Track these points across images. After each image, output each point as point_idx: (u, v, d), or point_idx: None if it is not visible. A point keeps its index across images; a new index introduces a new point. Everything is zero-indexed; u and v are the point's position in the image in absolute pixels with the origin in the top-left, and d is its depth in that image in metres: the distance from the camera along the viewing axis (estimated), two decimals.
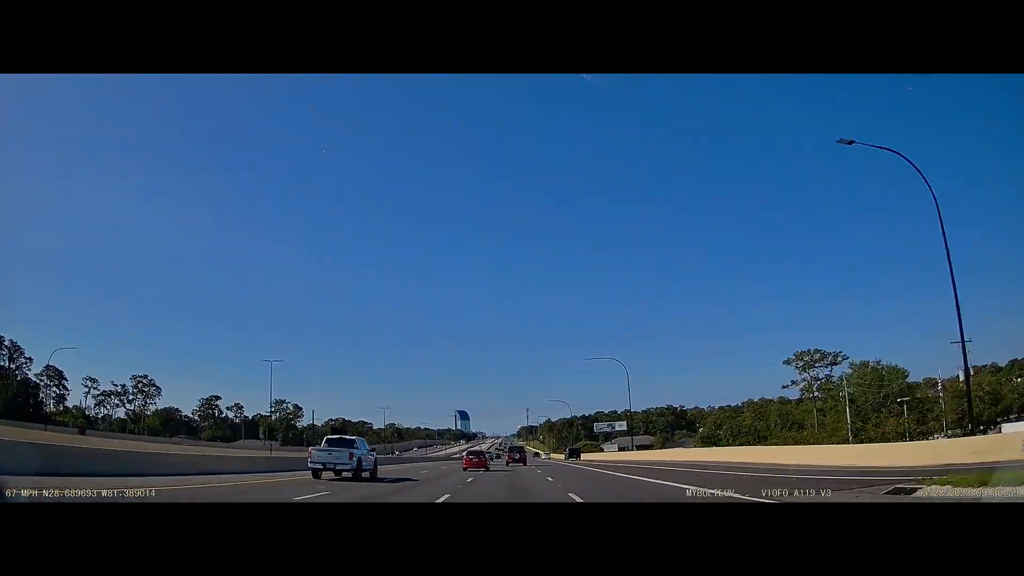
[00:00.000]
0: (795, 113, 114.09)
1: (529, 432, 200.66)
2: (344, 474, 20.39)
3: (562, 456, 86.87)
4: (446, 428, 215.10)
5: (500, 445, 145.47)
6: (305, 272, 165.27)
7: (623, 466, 35.05)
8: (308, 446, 33.84)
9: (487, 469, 33.22)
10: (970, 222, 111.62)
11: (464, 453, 44.05)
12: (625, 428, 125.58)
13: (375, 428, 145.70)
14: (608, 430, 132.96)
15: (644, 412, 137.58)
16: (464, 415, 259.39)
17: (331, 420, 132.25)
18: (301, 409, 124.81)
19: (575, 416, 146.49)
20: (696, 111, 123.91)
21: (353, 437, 24.41)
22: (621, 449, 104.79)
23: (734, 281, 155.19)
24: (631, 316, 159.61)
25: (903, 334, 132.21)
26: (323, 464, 20.22)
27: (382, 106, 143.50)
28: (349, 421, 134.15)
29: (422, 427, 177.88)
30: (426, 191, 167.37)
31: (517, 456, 47.74)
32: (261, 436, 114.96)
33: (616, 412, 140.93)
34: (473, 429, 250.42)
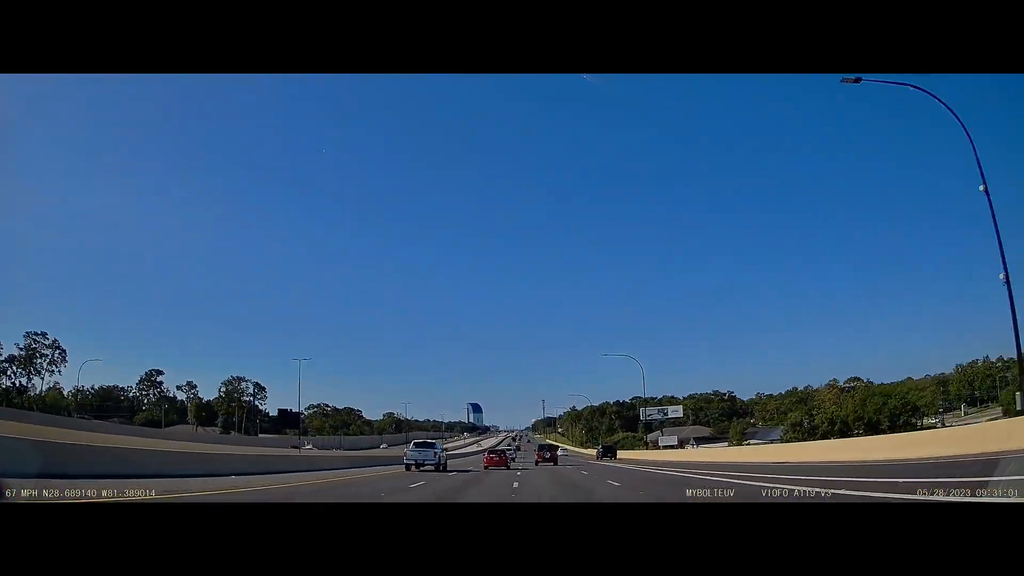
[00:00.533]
0: (795, 113, 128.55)
1: (547, 424, 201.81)
2: (427, 467, 31.33)
3: (593, 452, 77.85)
4: (457, 421, 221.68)
5: (514, 438, 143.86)
6: (315, 270, 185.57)
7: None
8: (260, 433, 37.81)
9: (508, 468, 36.46)
10: (970, 222, 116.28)
11: (485, 452, 44.16)
12: (681, 414, 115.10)
13: (364, 416, 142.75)
14: (659, 417, 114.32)
15: (690, 398, 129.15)
16: (477, 408, 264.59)
17: (312, 406, 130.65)
18: (264, 389, 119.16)
19: (607, 403, 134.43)
20: (696, 111, 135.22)
21: (433, 441, 37.29)
22: (683, 443, 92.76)
23: (737, 277, 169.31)
24: (644, 309, 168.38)
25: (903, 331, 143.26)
26: (415, 461, 31.83)
27: (401, 104, 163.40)
28: (336, 409, 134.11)
29: (431, 419, 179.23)
30: (442, 192, 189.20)
31: (548, 455, 45.92)
32: (190, 420, 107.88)
33: (656, 398, 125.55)
34: (486, 423, 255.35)
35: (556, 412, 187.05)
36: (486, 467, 36.61)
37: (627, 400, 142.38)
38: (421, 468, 31.27)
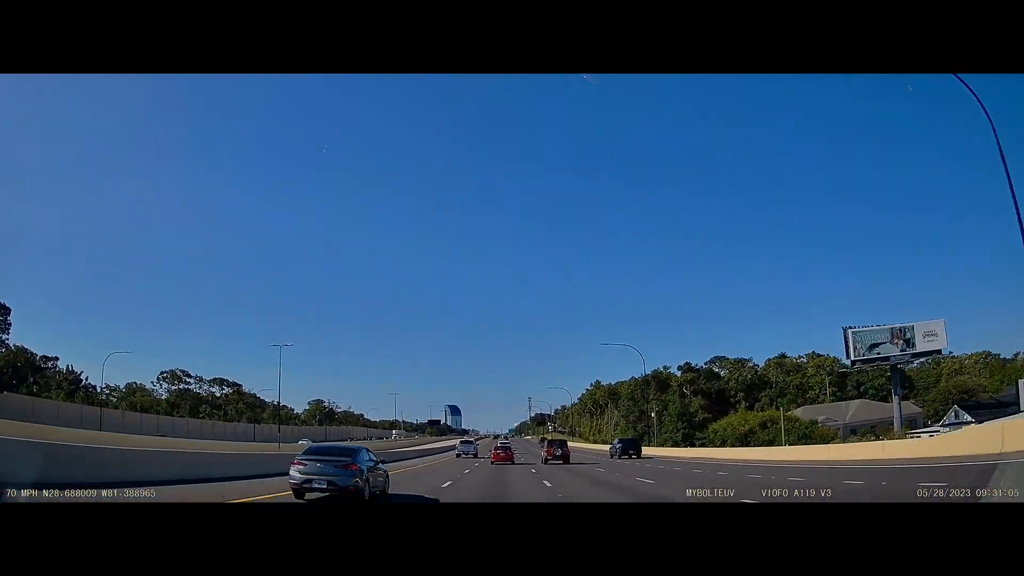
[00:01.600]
0: (794, 113, 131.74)
1: (538, 423, 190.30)
2: (469, 456, 51.70)
3: (606, 448, 60.38)
4: (428, 421, 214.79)
5: (497, 441, 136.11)
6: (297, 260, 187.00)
7: None
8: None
9: (512, 462, 39.83)
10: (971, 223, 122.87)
11: (492, 449, 44.59)
12: (945, 343, 56.81)
13: (269, 401, 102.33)
14: (899, 354, 57.18)
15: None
16: (455, 410, 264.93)
17: (165, 372, 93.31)
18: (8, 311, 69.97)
19: (664, 369, 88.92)
20: (694, 108, 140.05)
21: (472, 439, 70.44)
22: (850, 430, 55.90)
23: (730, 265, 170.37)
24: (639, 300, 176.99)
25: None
26: (464, 451, 53.97)
27: (380, 99, 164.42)
28: (223, 379, 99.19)
29: (387, 419, 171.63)
30: (419, 182, 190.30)
31: (558, 451, 40.84)
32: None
33: (694, 365, 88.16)
34: (465, 426, 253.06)
35: (548, 409, 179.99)
36: (493, 462, 39.98)
37: (702, 364, 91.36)
38: (467, 456, 51.32)
